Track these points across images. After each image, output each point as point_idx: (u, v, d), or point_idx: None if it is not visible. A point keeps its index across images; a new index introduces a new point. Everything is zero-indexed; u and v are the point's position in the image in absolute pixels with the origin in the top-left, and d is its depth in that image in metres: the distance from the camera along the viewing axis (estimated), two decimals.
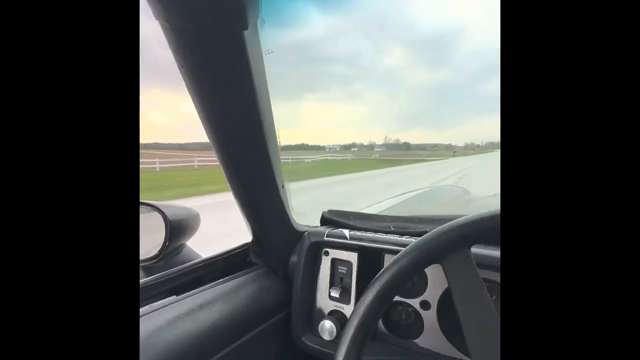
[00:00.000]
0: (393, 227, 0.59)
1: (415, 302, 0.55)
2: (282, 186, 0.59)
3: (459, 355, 0.51)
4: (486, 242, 0.33)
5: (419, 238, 0.35)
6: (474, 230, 0.32)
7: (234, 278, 0.61)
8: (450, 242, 0.33)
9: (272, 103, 0.50)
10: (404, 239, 0.55)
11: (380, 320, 0.58)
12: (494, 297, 0.48)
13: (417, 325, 0.55)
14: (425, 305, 0.54)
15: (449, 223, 0.34)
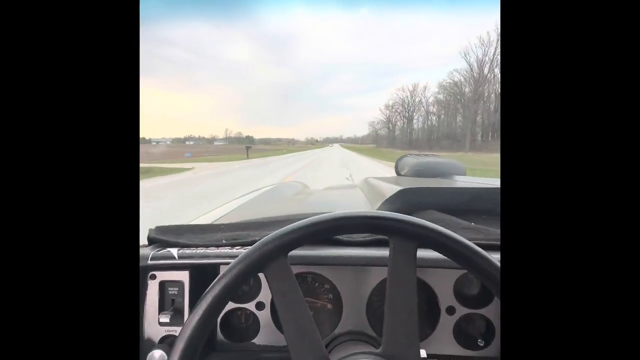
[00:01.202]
0: (225, 240, 0.63)
1: (251, 305, 0.62)
2: None
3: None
4: (301, 245, 0.42)
5: (245, 251, 0.41)
6: (289, 240, 0.41)
7: None
8: (269, 253, 0.40)
9: None
10: (235, 250, 0.60)
11: (220, 332, 0.62)
12: (316, 284, 0.62)
13: (255, 326, 0.63)
14: (260, 306, 0.62)
15: (269, 235, 0.41)
